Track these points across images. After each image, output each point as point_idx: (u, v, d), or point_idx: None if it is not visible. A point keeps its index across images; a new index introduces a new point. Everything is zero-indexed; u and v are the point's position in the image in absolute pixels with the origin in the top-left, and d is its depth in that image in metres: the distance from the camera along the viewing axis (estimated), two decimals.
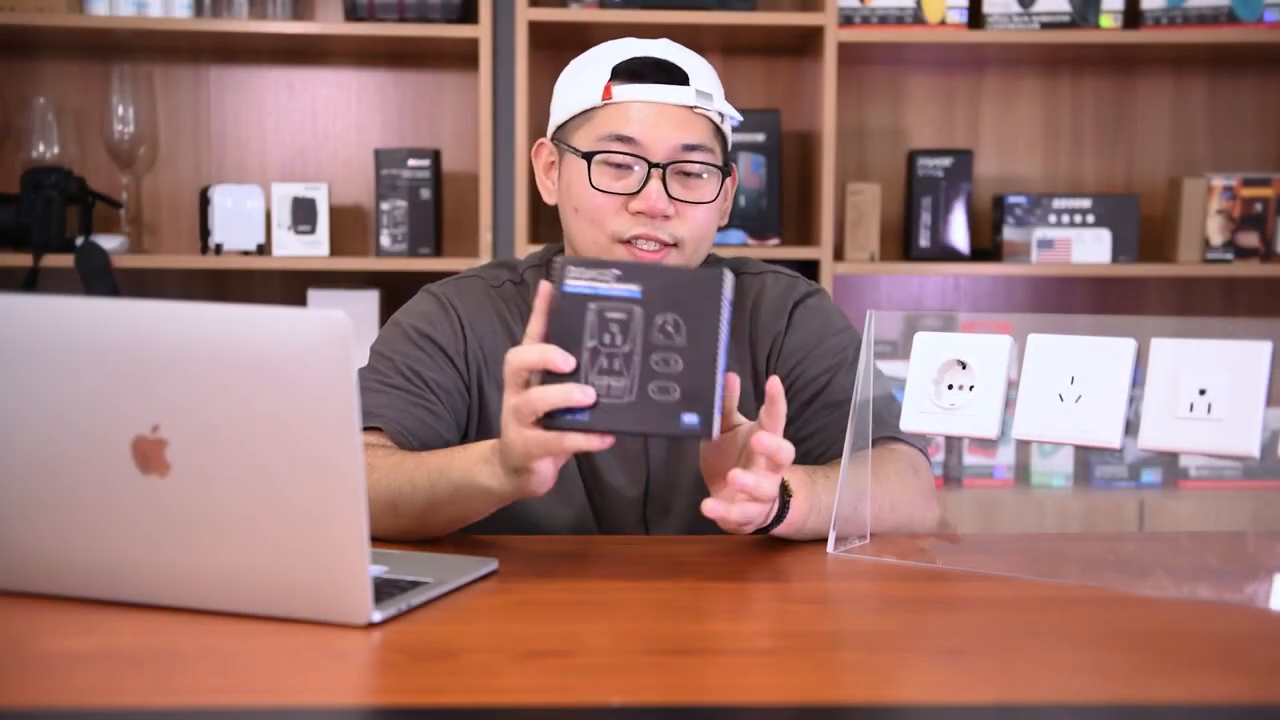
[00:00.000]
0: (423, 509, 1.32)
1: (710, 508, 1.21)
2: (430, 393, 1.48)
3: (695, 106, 1.47)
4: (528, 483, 1.20)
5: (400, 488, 1.32)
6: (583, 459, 1.51)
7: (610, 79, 1.47)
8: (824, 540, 1.33)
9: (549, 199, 1.56)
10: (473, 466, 1.26)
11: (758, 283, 1.59)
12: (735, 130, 2.84)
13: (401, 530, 1.34)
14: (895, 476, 1.42)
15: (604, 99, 1.47)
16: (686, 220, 1.47)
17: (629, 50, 1.49)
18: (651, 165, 1.45)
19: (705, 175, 1.48)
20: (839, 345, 1.54)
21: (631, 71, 1.47)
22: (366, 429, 1.43)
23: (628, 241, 1.47)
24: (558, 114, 1.53)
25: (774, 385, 1.22)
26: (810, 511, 1.31)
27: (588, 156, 1.47)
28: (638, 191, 1.45)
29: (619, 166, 1.46)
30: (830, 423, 1.49)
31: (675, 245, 1.47)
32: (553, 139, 1.54)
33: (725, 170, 1.50)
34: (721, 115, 1.51)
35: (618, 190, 1.46)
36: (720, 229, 1.57)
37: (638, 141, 1.45)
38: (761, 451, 1.20)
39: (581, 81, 1.50)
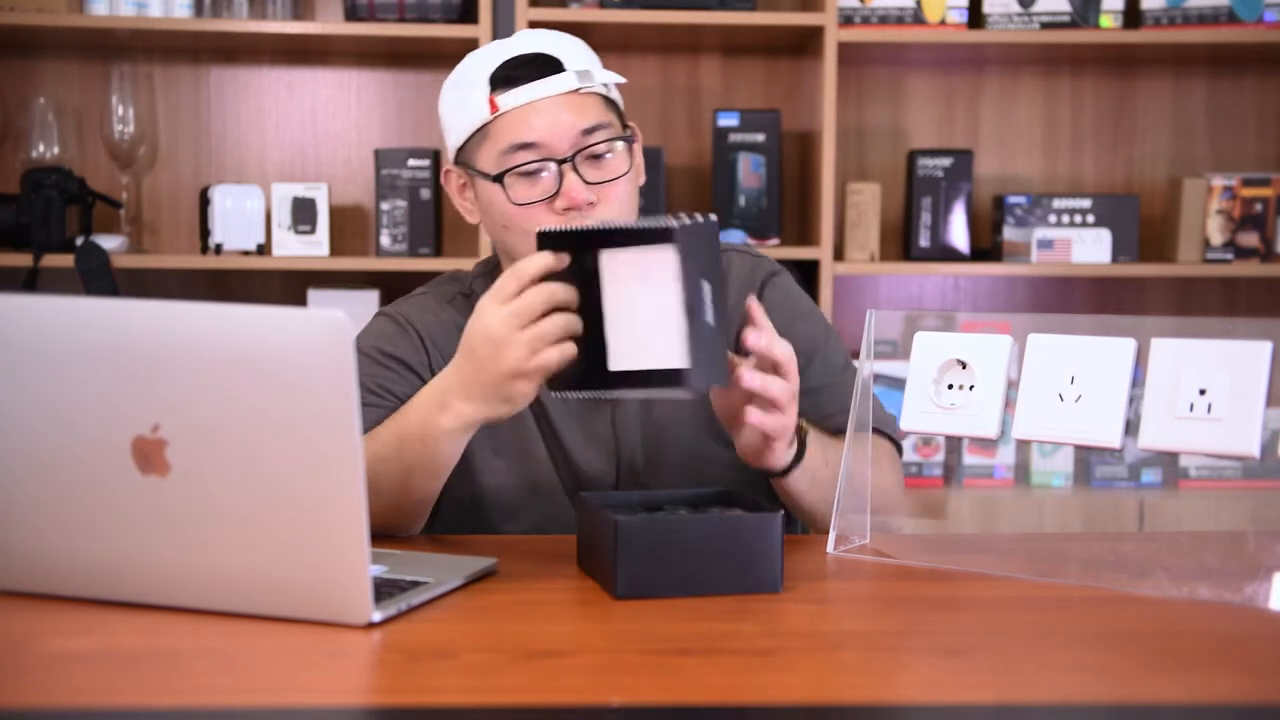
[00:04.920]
0: (401, 477, 1.35)
1: (751, 419, 1.29)
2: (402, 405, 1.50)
3: (580, 88, 1.47)
4: (504, 407, 1.28)
5: (373, 467, 1.32)
6: (553, 446, 1.54)
7: (491, 90, 1.47)
8: (824, 534, 1.33)
9: (471, 219, 1.57)
10: (429, 418, 1.31)
11: (724, 260, 1.61)
12: (735, 130, 2.87)
13: (386, 508, 1.35)
14: (888, 466, 1.49)
15: (492, 113, 1.47)
16: (608, 200, 1.48)
17: (498, 55, 1.49)
18: (560, 162, 1.46)
19: (612, 152, 1.49)
20: (810, 332, 1.57)
21: (508, 77, 1.47)
22: None
23: None
24: (452, 138, 1.53)
25: (754, 304, 1.29)
26: (822, 462, 1.38)
27: (498, 178, 1.47)
28: (557, 191, 1.46)
29: (530, 174, 1.47)
30: (806, 408, 1.51)
31: None
32: (456, 163, 1.54)
33: (628, 138, 1.51)
34: (606, 85, 1.51)
35: (537, 197, 1.47)
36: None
37: (539, 144, 1.46)
38: (753, 350, 1.28)
39: (464, 101, 1.50)
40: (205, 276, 2.98)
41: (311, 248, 2.79)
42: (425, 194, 2.82)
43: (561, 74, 1.47)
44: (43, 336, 1.05)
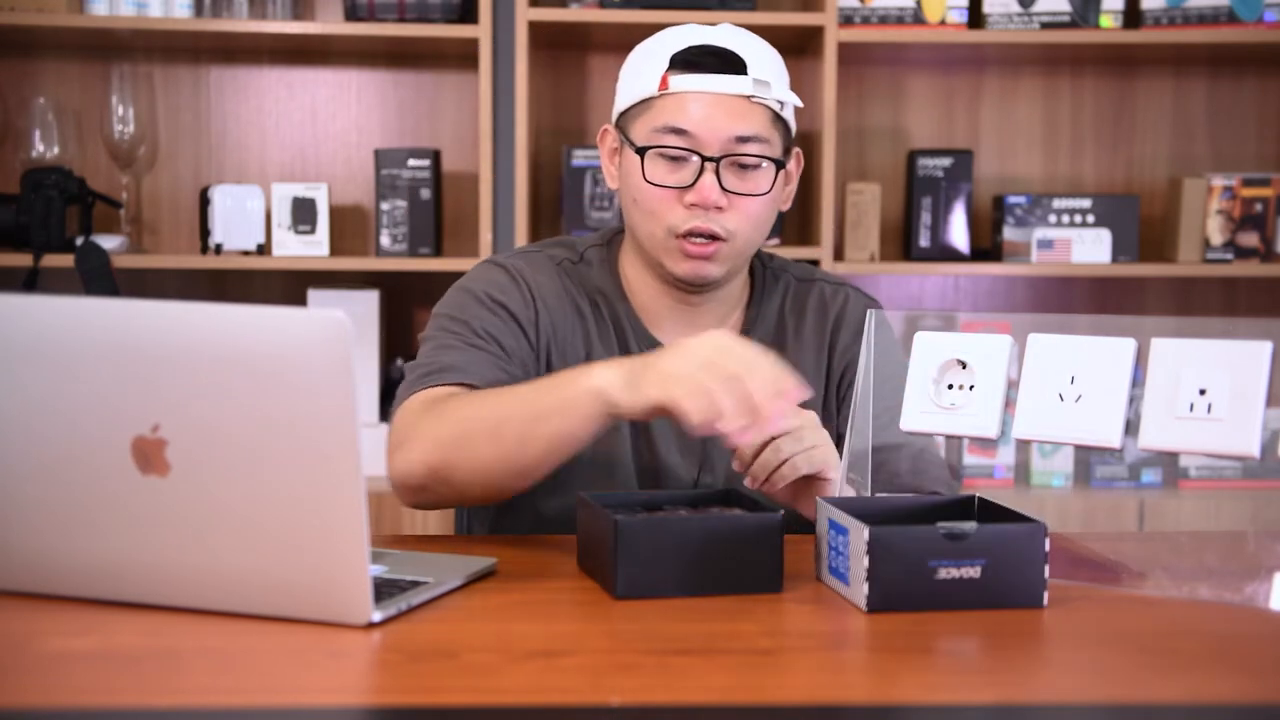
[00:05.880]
0: (525, 425, 1.29)
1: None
2: (507, 358, 1.47)
3: (752, 96, 1.47)
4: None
5: (505, 406, 1.31)
6: (640, 443, 1.52)
7: (668, 69, 1.47)
8: None
9: (611, 184, 1.57)
10: (598, 375, 1.25)
11: (841, 295, 1.62)
12: None
13: (498, 458, 1.31)
14: None
15: (660, 89, 1.47)
16: (739, 212, 1.48)
17: (688, 39, 1.49)
18: (705, 159, 1.46)
19: (761, 166, 1.49)
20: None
21: (689, 61, 1.47)
22: (451, 384, 1.42)
23: (682, 236, 1.47)
24: (620, 101, 1.54)
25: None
26: None
27: (641, 151, 1.48)
28: (692, 184, 1.46)
29: (673, 159, 1.47)
30: (886, 460, 1.49)
31: (725, 239, 1.48)
32: (615, 126, 1.55)
33: (782, 160, 1.51)
34: (781, 103, 1.51)
35: (671, 184, 1.47)
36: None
37: (691, 134, 1.46)
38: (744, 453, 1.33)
39: (642, 70, 1.50)
40: (205, 276, 2.98)
41: (311, 248, 2.79)
42: (425, 194, 2.82)
43: (740, 76, 1.47)
44: (43, 336, 1.05)
